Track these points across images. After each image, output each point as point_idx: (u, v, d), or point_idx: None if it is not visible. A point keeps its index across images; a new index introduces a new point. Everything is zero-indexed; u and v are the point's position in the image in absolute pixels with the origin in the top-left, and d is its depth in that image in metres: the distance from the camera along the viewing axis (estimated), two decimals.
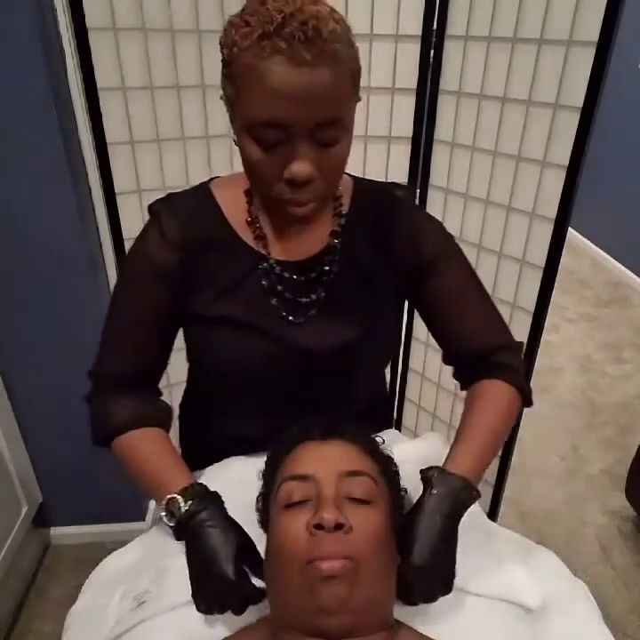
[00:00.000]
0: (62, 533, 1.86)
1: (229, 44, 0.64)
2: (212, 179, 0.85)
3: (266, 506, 0.73)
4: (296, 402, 0.83)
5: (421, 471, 0.73)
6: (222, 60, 0.66)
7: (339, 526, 0.61)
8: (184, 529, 0.72)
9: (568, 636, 0.68)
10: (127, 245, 1.44)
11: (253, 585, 0.68)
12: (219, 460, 0.91)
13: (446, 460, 0.75)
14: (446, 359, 0.92)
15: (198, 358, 0.90)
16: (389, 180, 0.91)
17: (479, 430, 0.79)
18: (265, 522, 0.72)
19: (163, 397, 0.90)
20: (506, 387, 0.83)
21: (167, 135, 1.38)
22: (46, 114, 1.23)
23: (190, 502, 0.72)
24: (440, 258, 0.84)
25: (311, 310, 0.82)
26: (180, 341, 0.87)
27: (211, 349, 0.83)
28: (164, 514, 0.73)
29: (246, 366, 0.82)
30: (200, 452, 0.92)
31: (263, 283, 0.80)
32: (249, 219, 0.80)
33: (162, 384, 0.90)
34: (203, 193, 0.82)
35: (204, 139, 1.41)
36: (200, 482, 0.76)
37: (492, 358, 0.85)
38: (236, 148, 0.70)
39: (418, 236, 0.84)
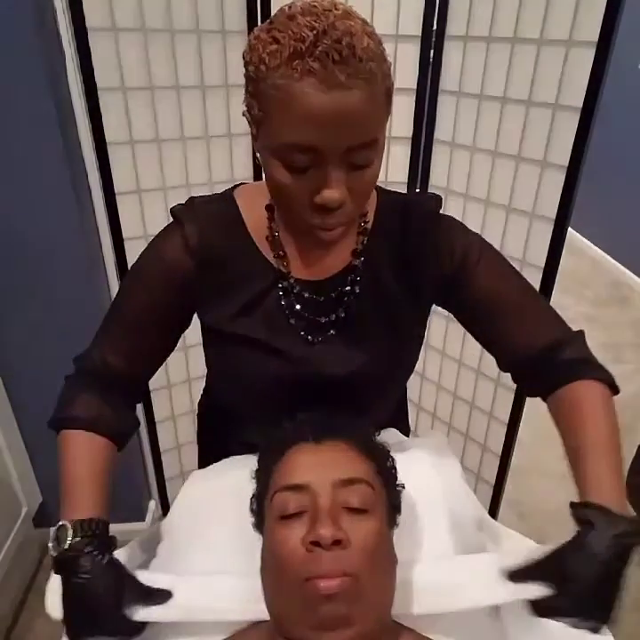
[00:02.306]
0: None
1: (256, 62, 0.59)
2: (236, 185, 0.83)
3: (260, 508, 0.72)
4: None
5: (573, 506, 0.67)
6: (246, 76, 0.63)
7: (336, 542, 0.60)
8: (61, 565, 0.65)
9: (568, 635, 0.68)
10: (127, 245, 1.45)
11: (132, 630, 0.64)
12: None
13: (585, 488, 0.70)
14: (502, 366, 0.84)
15: (215, 370, 0.88)
16: (417, 190, 0.87)
17: (606, 449, 0.73)
18: (259, 524, 0.71)
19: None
20: (596, 385, 0.77)
21: (167, 135, 1.38)
22: (46, 114, 1.23)
23: (78, 539, 0.64)
24: (469, 263, 0.79)
25: (330, 330, 0.80)
26: (197, 335, 0.85)
27: (228, 366, 0.83)
28: (50, 540, 0.66)
29: (262, 385, 0.81)
30: (216, 453, 0.92)
31: (282, 302, 0.79)
32: (269, 236, 0.78)
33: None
34: (226, 201, 0.79)
35: (204, 139, 1.40)
36: (103, 519, 0.68)
37: (559, 356, 0.77)
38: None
39: (444, 247, 0.79)
